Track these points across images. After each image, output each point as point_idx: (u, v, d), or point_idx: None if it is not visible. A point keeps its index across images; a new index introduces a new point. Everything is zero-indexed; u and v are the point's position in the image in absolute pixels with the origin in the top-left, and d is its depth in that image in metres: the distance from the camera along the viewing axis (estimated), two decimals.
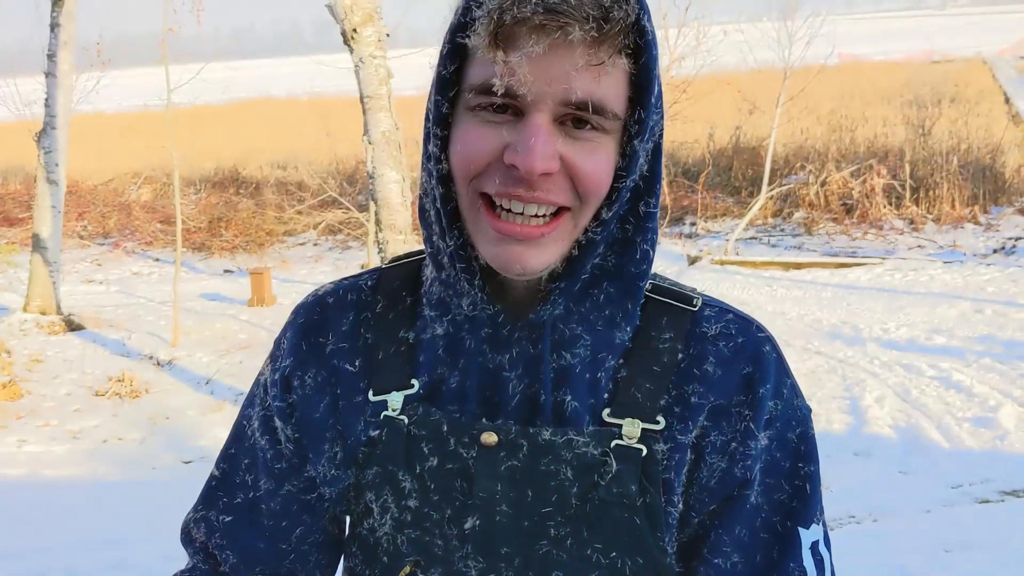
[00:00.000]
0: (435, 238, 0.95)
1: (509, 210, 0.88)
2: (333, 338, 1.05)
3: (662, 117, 0.94)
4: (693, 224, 13.11)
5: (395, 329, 1.02)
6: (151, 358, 8.38)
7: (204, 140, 20.91)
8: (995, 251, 10.99)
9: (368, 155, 6.00)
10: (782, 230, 12.68)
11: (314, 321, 1.06)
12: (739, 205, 13.46)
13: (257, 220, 14.36)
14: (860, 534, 4.65)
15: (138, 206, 15.71)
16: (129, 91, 29.84)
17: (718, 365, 0.98)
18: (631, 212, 0.94)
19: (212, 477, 1.12)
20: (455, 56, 0.89)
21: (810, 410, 1.03)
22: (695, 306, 1.01)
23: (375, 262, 8.47)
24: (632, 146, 0.89)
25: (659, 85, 0.90)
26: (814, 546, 0.99)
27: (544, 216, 0.88)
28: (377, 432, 0.99)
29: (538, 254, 0.89)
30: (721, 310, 1.02)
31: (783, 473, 0.99)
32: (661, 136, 0.95)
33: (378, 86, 6.01)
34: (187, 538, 1.13)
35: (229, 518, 1.09)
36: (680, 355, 0.98)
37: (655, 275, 1.04)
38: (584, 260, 0.93)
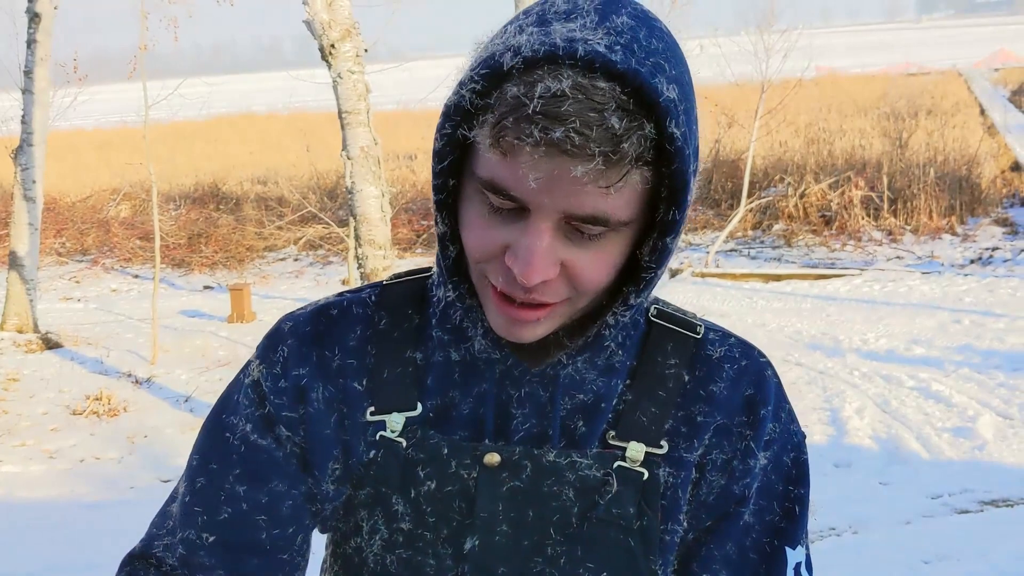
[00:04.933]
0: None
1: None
2: (340, 353, 1.01)
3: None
4: None
5: (401, 349, 1.00)
6: (129, 376, 8.31)
7: (183, 156, 20.83)
8: (972, 261, 11.09)
9: (347, 170, 5.99)
10: (762, 242, 12.74)
11: (319, 332, 1.02)
12: (719, 218, 13.52)
13: (237, 236, 14.28)
14: (840, 546, 4.66)
15: (117, 223, 15.60)
16: (107, 107, 29.75)
17: (723, 386, 1.00)
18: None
19: (185, 493, 1.03)
20: (456, 141, 0.86)
21: (805, 436, 1.05)
22: (699, 333, 1.02)
23: (355, 277, 8.46)
24: (664, 243, 0.87)
25: (694, 178, 0.86)
26: (797, 567, 1.01)
27: (539, 304, 0.89)
28: (374, 453, 0.97)
29: (533, 329, 0.91)
30: (724, 335, 1.04)
31: (776, 495, 1.02)
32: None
33: (356, 101, 6.01)
34: (143, 566, 1.05)
35: (213, 537, 0.99)
36: (686, 378, 1.00)
37: (657, 299, 1.05)
38: (597, 320, 0.94)
